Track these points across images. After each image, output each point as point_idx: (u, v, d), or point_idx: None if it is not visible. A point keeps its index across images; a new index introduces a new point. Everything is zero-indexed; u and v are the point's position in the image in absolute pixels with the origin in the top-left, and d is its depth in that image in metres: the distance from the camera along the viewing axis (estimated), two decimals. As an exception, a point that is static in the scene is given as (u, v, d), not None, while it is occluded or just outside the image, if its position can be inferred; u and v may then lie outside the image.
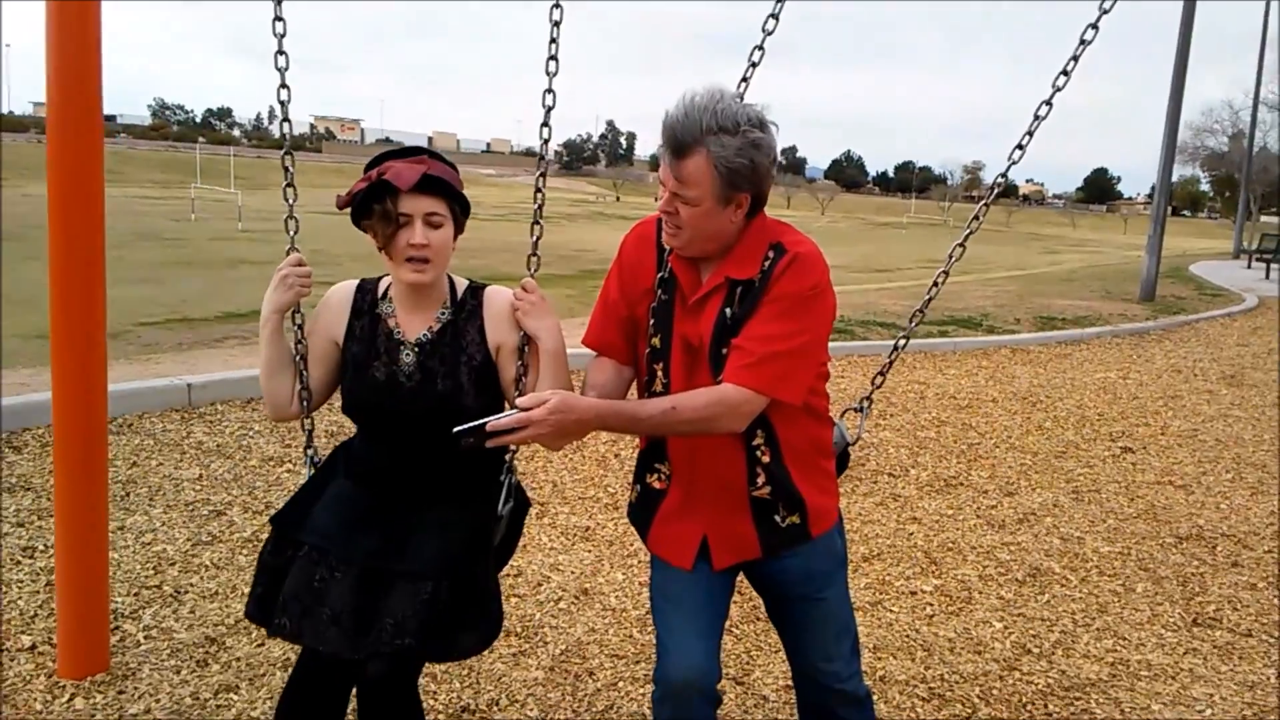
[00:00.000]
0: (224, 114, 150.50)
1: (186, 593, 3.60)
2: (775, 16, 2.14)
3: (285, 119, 2.15)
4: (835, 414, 2.33)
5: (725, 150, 1.86)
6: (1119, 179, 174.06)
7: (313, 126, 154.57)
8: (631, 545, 4.32)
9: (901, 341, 2.44)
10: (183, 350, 7.33)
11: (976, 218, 2.33)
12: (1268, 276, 22.94)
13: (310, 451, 2.35)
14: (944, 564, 4.42)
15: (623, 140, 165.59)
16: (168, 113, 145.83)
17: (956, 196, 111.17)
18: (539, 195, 2.23)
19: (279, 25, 2.07)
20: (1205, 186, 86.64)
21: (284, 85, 2.13)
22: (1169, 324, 13.48)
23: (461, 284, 2.21)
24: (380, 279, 2.23)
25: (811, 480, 2.17)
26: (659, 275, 2.10)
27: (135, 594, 3.56)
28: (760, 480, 2.10)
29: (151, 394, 5.78)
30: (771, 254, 2.00)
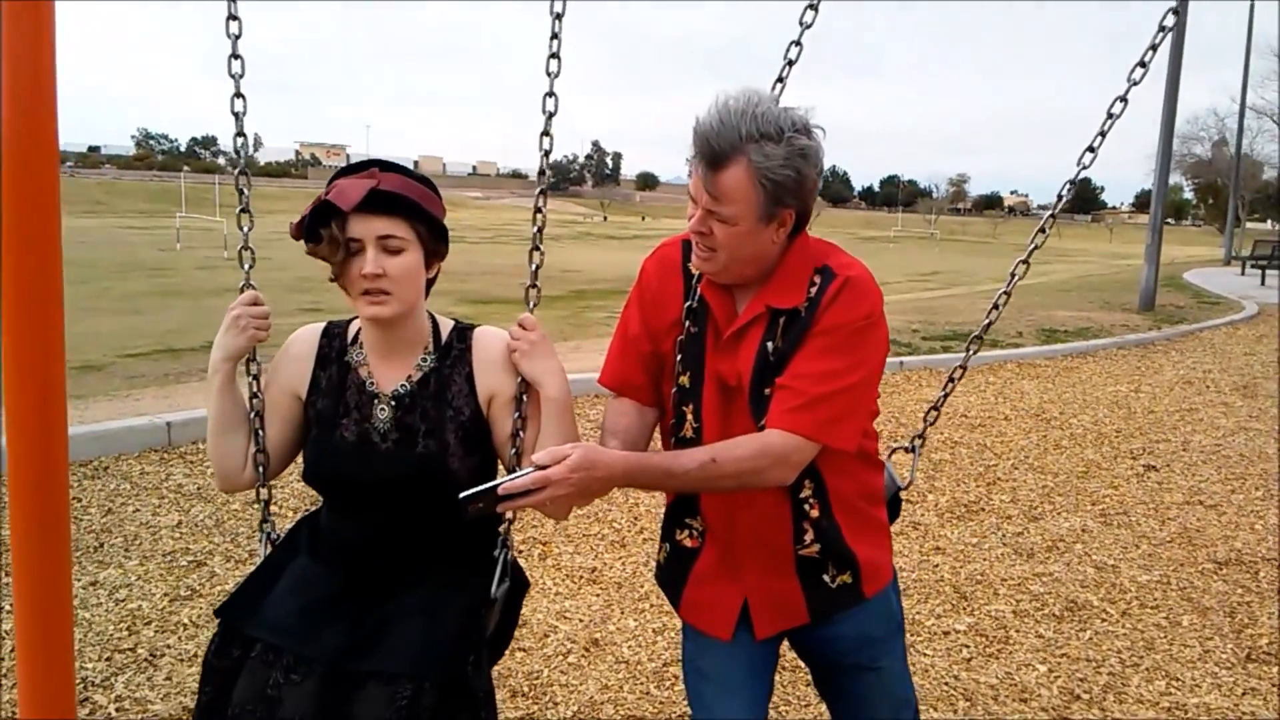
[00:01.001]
0: (208, 142, 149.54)
1: (163, 655, 3.30)
2: (814, 7, 1.88)
3: (239, 132, 1.84)
4: (882, 453, 2.07)
5: (769, 160, 1.60)
6: (1102, 189, 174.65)
7: (298, 153, 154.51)
8: (643, 588, 4.04)
9: (958, 373, 2.18)
10: (167, 382, 7.04)
11: (1043, 230, 2.09)
12: (1263, 283, 22.81)
13: (267, 527, 1.98)
14: (975, 599, 4.15)
15: (609, 160, 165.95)
16: (152, 142, 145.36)
17: (943, 210, 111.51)
18: (539, 216, 1.85)
19: (234, 25, 1.78)
20: (1188, 194, 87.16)
21: (239, 94, 1.82)
22: (1173, 334, 13.25)
23: (446, 325, 1.87)
24: (350, 321, 1.90)
25: (864, 534, 1.91)
26: (687, 304, 1.83)
27: (107, 659, 3.27)
28: (809, 537, 1.83)
29: (129, 434, 5.49)
30: (818, 279, 1.74)
